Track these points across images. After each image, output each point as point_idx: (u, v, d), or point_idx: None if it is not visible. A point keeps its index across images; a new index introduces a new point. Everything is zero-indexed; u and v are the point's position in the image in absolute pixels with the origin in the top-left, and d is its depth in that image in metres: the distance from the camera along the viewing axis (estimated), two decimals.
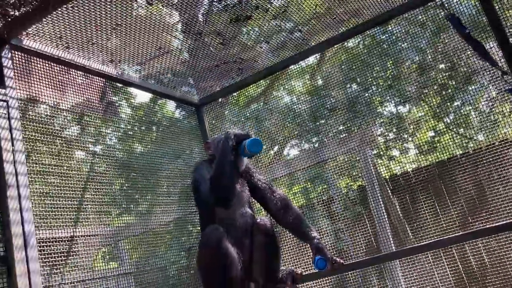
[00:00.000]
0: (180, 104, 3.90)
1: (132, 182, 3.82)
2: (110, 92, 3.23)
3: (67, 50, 2.66)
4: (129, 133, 4.33)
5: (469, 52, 3.52)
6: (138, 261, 3.94)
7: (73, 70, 2.81)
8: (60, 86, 2.70)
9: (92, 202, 3.23)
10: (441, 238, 2.56)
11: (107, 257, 4.84)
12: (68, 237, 2.98)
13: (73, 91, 2.81)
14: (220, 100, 5.71)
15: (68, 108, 2.82)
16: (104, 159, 3.89)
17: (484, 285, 3.12)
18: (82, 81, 2.87)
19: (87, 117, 3.02)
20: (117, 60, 2.92)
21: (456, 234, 2.50)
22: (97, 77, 2.98)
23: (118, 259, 4.38)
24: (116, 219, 3.77)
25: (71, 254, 2.96)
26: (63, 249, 2.88)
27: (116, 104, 3.40)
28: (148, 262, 3.88)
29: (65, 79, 2.73)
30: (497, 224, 2.35)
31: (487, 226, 2.64)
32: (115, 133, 4.43)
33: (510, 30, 2.80)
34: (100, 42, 2.70)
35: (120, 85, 3.32)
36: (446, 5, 3.08)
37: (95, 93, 2.97)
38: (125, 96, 4.19)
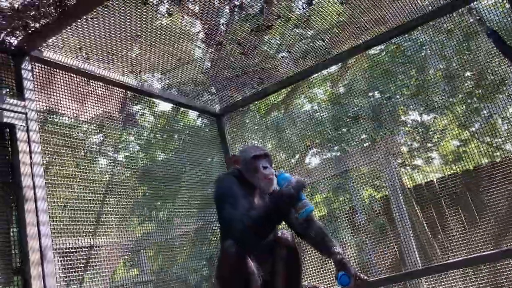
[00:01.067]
0: (201, 113, 3.89)
1: (154, 190, 3.82)
2: (130, 103, 3.23)
3: (87, 61, 2.66)
4: (151, 141, 4.35)
5: (497, 60, 3.42)
6: (159, 270, 3.94)
7: (93, 81, 2.80)
8: (80, 98, 2.70)
9: (114, 210, 3.23)
10: (471, 256, 2.46)
11: (128, 264, 4.87)
12: (88, 247, 2.99)
13: (93, 102, 2.80)
14: (240, 108, 5.70)
15: (87, 119, 2.81)
16: (126, 167, 3.91)
17: None
18: (102, 92, 2.87)
19: (106, 128, 3.01)
20: (138, 71, 2.92)
21: (487, 252, 2.40)
22: (117, 88, 2.96)
23: (139, 268, 4.40)
24: (138, 227, 3.78)
25: (92, 264, 2.97)
26: (83, 259, 2.88)
27: (136, 115, 3.40)
28: (169, 271, 3.88)
29: (85, 90, 2.73)
30: None
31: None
32: (137, 141, 4.46)
33: None
34: (120, 52, 2.70)
35: (141, 95, 3.31)
36: (475, 11, 3.00)
37: (115, 104, 2.96)
38: (147, 105, 4.21)
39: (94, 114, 2.84)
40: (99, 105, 2.84)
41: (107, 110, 2.90)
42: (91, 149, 3.22)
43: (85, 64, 2.68)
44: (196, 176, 3.90)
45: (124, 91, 3.03)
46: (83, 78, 2.72)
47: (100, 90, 2.82)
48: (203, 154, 3.91)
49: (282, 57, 2.97)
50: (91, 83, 2.77)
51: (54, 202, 2.62)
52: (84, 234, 2.97)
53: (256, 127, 4.37)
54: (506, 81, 3.42)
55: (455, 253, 3.12)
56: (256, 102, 5.27)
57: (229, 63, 3.00)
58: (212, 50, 2.90)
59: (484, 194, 3.26)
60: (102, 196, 3.13)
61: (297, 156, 5.01)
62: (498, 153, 4.04)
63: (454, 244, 3.20)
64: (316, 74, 3.87)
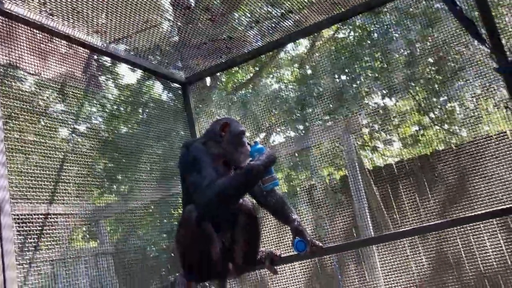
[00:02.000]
0: (166, 81, 3.83)
1: (116, 162, 3.78)
2: (94, 64, 3.16)
3: (50, 17, 2.56)
4: (115, 113, 4.29)
5: (457, 48, 3.55)
6: (118, 241, 3.93)
7: (57, 39, 2.69)
8: (42, 54, 2.61)
9: (74, 180, 3.19)
10: (418, 226, 2.59)
11: (87, 236, 4.82)
12: (46, 214, 2.94)
13: (55, 60, 2.70)
14: (208, 84, 5.69)
15: (49, 77, 2.73)
16: (88, 138, 3.85)
17: (458, 273, 3.19)
18: (65, 51, 2.77)
19: (68, 88, 2.92)
20: (103, 31, 2.82)
21: (433, 222, 2.54)
22: (81, 48, 2.86)
23: (98, 239, 4.36)
24: (98, 198, 3.74)
25: (48, 231, 2.93)
26: (40, 226, 2.84)
27: (100, 78, 3.34)
28: (128, 243, 3.87)
29: (47, 47, 2.63)
30: (474, 213, 2.39)
31: (464, 216, 2.68)
32: (100, 112, 4.39)
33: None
34: (86, 11, 2.60)
35: (105, 57, 3.21)
36: None
37: (78, 64, 2.87)
38: (112, 76, 4.15)
39: (56, 73, 2.75)
40: (61, 63, 2.74)
41: (70, 69, 2.82)
42: (53, 115, 3.16)
43: (48, 20, 2.58)
44: (159, 149, 3.88)
45: (88, 51, 2.93)
46: (46, 35, 2.62)
47: (64, 49, 2.74)
48: (168, 127, 3.87)
49: (251, 27, 2.97)
50: (54, 41, 2.67)
51: (12, 168, 2.56)
52: (42, 201, 2.92)
53: (222, 103, 4.39)
54: (465, 68, 3.55)
55: (405, 225, 3.28)
56: (223, 80, 5.26)
57: (196, 29, 2.96)
58: (180, 14, 2.86)
59: (438, 175, 3.42)
60: (62, 164, 3.08)
61: (262, 135, 5.07)
62: (454, 140, 4.21)
63: (405, 217, 3.36)
64: (284, 54, 3.93)
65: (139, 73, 4.70)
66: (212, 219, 2.45)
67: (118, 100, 4.44)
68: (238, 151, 2.60)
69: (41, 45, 2.59)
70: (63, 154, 3.15)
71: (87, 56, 2.92)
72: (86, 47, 2.88)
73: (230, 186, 2.34)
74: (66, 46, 2.74)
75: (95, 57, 3.12)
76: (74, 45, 2.76)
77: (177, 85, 3.81)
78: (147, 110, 4.26)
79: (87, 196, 3.50)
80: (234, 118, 2.81)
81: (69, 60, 2.76)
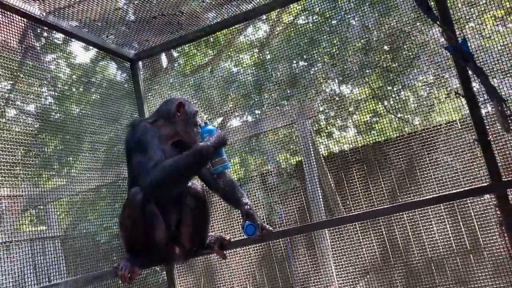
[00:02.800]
0: (117, 59, 3.68)
1: (67, 144, 3.64)
2: (32, 35, 2.97)
3: None
4: (67, 93, 4.12)
5: (413, 37, 3.59)
6: (67, 226, 3.80)
7: None
8: None
9: (21, 162, 3.04)
10: (368, 210, 2.61)
11: (35, 220, 4.65)
12: None
13: None
14: (164, 66, 5.56)
15: None
16: (37, 119, 3.69)
17: (407, 256, 3.27)
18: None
19: (1, 58, 2.73)
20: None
21: (383, 207, 2.56)
22: (16, 16, 2.64)
23: (46, 222, 4.21)
24: (47, 181, 3.60)
25: None
26: None
27: (38, 49, 3.15)
28: (77, 227, 3.75)
29: None
30: (422, 198, 2.43)
31: (413, 200, 2.72)
32: (51, 92, 4.21)
33: None
34: None
35: (46, 29, 3.01)
36: None
37: (14, 34, 2.67)
38: (64, 55, 3.97)
39: None
40: None
41: (4, 39, 2.62)
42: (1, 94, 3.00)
43: None
44: (111, 131, 3.76)
45: (25, 21, 2.72)
46: None
47: None
48: (119, 109, 3.75)
49: (202, 1, 2.87)
50: None
51: None
52: None
53: (178, 86, 4.28)
54: (420, 57, 3.60)
55: (357, 210, 3.31)
56: (180, 62, 5.14)
57: (147, 2, 2.82)
58: None
59: (390, 162, 3.47)
60: (9, 145, 2.93)
61: (220, 119, 5.00)
62: (407, 129, 4.28)
63: (357, 202, 3.40)
64: (243, 38, 3.86)
65: (92, 53, 4.52)
66: (158, 201, 2.38)
67: (70, 79, 4.28)
68: (192, 131, 2.54)
69: None
70: (10, 134, 3.00)
71: (24, 25, 2.73)
72: (23, 16, 2.67)
73: (177, 167, 2.27)
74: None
75: (36, 29, 2.93)
76: (8, 12, 2.56)
77: (128, 64, 3.66)
78: (99, 91, 4.12)
79: (35, 179, 3.36)
80: (185, 98, 2.73)
81: (3, 29, 2.57)
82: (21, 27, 2.69)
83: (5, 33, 2.58)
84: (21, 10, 2.60)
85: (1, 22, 2.53)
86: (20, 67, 2.99)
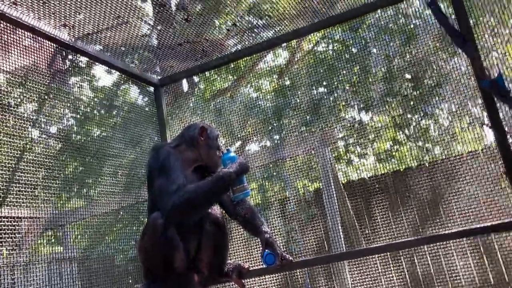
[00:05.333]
0: (139, 83, 3.73)
1: (86, 166, 3.68)
2: (60, 59, 3.04)
3: (14, 6, 2.42)
4: (88, 115, 4.19)
5: (434, 66, 3.58)
6: (85, 248, 3.81)
7: (20, 30, 2.55)
8: (4, 46, 2.48)
9: (41, 183, 3.08)
10: (390, 242, 2.56)
11: (52, 241, 4.67)
12: (10, 217, 2.83)
13: (18, 52, 2.57)
14: (185, 90, 5.62)
15: (10, 70, 2.59)
16: (59, 140, 3.74)
17: None
18: (29, 44, 2.64)
19: (30, 82, 2.79)
20: (71, 25, 2.69)
21: (405, 239, 2.51)
22: (47, 41, 2.72)
23: (64, 244, 4.22)
24: (66, 202, 3.63)
25: (11, 236, 2.81)
26: (1, 230, 2.72)
27: (65, 73, 3.22)
28: (95, 249, 3.76)
29: (10, 38, 2.49)
30: (445, 232, 2.37)
31: (435, 234, 2.67)
32: (73, 114, 4.28)
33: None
34: (52, 2, 2.47)
35: (79, 57, 3.09)
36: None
37: (43, 58, 2.74)
38: (87, 78, 4.05)
39: (19, 65, 2.61)
40: (25, 56, 2.61)
41: (34, 63, 2.69)
42: (23, 114, 3.05)
43: (12, 9, 2.43)
44: (131, 154, 3.80)
45: (54, 45, 2.80)
46: (8, 25, 2.47)
47: (28, 41, 2.61)
48: (141, 132, 3.79)
49: (228, 29, 2.91)
50: (18, 32, 2.54)
51: None
52: (6, 204, 2.80)
53: (199, 111, 4.32)
54: (442, 86, 3.58)
55: (377, 242, 3.25)
56: (201, 87, 5.19)
57: (171, 28, 2.88)
58: (154, 12, 2.78)
59: (411, 191, 3.42)
60: (30, 167, 2.97)
61: (238, 143, 5.01)
62: (427, 158, 4.24)
63: (377, 234, 3.34)
64: (263, 64, 3.88)
65: (114, 76, 4.60)
66: (179, 227, 2.37)
67: (92, 102, 4.35)
68: (215, 155, 2.58)
69: (3, 35, 2.47)
70: (32, 155, 3.05)
71: (53, 50, 2.80)
72: (52, 41, 2.75)
73: (199, 192, 2.27)
74: (30, 39, 2.61)
75: (64, 53, 3.01)
76: (40, 38, 2.63)
77: (151, 88, 3.72)
78: (121, 114, 4.18)
79: (54, 200, 3.39)
80: (208, 123, 2.76)
81: (34, 54, 2.64)
82: (50, 52, 2.76)
83: (36, 57, 2.65)
84: (52, 36, 2.67)
85: (33, 47, 2.61)
86: (48, 90, 3.06)
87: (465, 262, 3.07)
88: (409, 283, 3.28)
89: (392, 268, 3.30)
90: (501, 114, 2.43)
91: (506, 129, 2.45)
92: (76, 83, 4.43)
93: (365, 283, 3.26)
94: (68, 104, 3.72)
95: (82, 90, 3.80)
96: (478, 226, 2.32)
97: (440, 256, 3.12)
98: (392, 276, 3.28)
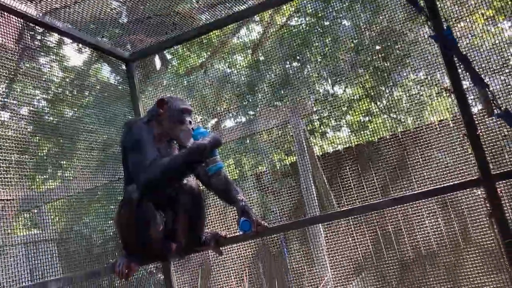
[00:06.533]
0: (111, 61, 3.69)
1: (61, 147, 3.65)
2: (28, 36, 2.97)
3: None
4: (61, 96, 4.13)
5: (404, 36, 3.64)
6: (62, 229, 3.80)
7: None
8: None
9: (14, 166, 3.04)
10: (361, 205, 2.64)
11: (29, 223, 4.64)
12: None
13: None
14: (158, 67, 5.58)
15: None
16: (29, 122, 3.69)
17: (400, 250, 3.30)
18: None
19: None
20: (38, 0, 2.62)
21: (375, 201, 2.60)
22: (13, 16, 2.63)
23: (40, 225, 4.20)
24: (42, 184, 3.60)
25: None
26: None
27: (34, 50, 3.16)
28: (72, 230, 3.75)
29: None
30: (414, 192, 2.46)
31: (405, 194, 2.76)
32: (44, 95, 4.21)
33: None
34: None
35: (42, 29, 3.01)
36: None
37: (10, 34, 2.67)
38: (57, 58, 3.98)
39: None
40: None
41: (1, 40, 2.62)
42: None
43: None
44: (105, 133, 3.77)
45: (22, 21, 2.72)
46: None
47: None
48: (115, 111, 3.76)
49: (197, 1, 2.89)
50: None
51: None
52: None
53: (172, 88, 4.30)
54: (411, 56, 3.64)
55: (350, 205, 3.36)
56: (174, 64, 5.16)
57: (140, 1, 2.83)
58: None
59: (383, 159, 3.51)
60: (2, 149, 2.93)
61: (214, 120, 5.03)
62: (400, 129, 4.33)
63: (350, 198, 3.44)
64: (237, 40, 3.88)
65: (85, 55, 4.54)
66: (154, 199, 2.40)
67: (63, 82, 4.28)
68: (178, 129, 2.52)
69: None
70: (3, 138, 3.01)
71: (21, 26, 2.74)
72: (19, 16, 2.67)
73: (172, 165, 2.29)
74: None
75: (32, 30, 2.94)
76: (5, 13, 2.56)
77: (123, 66, 3.67)
78: (94, 93, 4.13)
79: (29, 182, 3.36)
80: (178, 97, 2.73)
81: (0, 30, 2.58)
82: (18, 28, 2.70)
83: (1, 33, 2.59)
84: (18, 10, 2.61)
85: None
86: (17, 69, 3.00)
87: (435, 221, 3.19)
88: (382, 242, 3.40)
89: (365, 230, 3.41)
90: (464, 82, 2.50)
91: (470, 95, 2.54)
92: (47, 64, 4.35)
93: (338, 245, 3.37)
94: (39, 85, 3.66)
95: (52, 70, 3.73)
96: (444, 185, 2.41)
97: (411, 216, 3.23)
98: (365, 237, 3.40)
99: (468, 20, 3.12)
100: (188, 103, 2.67)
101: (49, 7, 2.73)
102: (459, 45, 2.36)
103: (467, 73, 2.24)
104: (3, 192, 2.97)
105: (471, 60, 2.26)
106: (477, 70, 2.22)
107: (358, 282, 3.42)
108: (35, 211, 4.17)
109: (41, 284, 2.15)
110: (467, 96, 2.45)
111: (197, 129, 2.48)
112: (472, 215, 3.03)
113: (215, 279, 3.51)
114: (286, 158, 4.27)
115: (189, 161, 2.33)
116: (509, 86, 2.77)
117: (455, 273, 3.13)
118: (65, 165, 3.69)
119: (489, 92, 2.12)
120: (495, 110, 2.09)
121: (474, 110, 2.75)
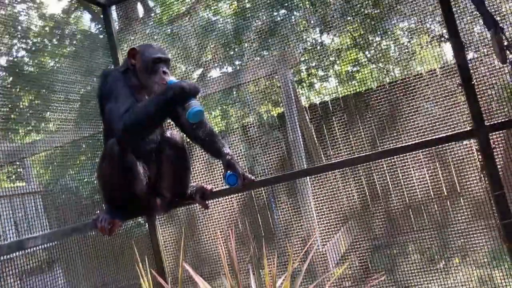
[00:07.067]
0: (86, 3, 3.50)
1: (42, 98, 3.55)
2: None
3: None
4: (40, 46, 3.98)
5: None
6: (48, 181, 3.77)
7: None
8: None
9: None
10: (349, 157, 2.62)
11: (13, 176, 4.60)
12: None
13: None
14: (141, 16, 5.37)
15: None
16: (11, 73, 3.59)
17: (386, 202, 3.34)
18: None
19: None
20: None
21: (362, 154, 2.57)
22: None
23: (25, 178, 4.17)
24: (25, 136, 3.54)
25: None
26: None
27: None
28: (58, 182, 3.72)
29: None
30: (402, 145, 2.44)
31: (392, 147, 2.74)
32: (23, 45, 4.06)
33: None
34: None
35: None
36: None
37: None
38: (34, 6, 3.80)
39: None
40: None
41: None
42: None
43: None
44: (87, 84, 3.66)
45: None
46: None
47: None
48: (96, 60, 3.63)
49: None
50: None
51: None
52: None
53: (156, 37, 4.15)
54: (402, 2, 3.51)
55: (337, 157, 3.36)
56: (158, 12, 4.95)
57: None
58: None
59: (370, 110, 3.47)
60: None
61: (200, 71, 4.91)
62: (387, 80, 4.28)
63: (337, 150, 3.43)
64: None
65: (64, 1, 4.32)
66: (137, 152, 2.34)
67: (43, 31, 4.13)
68: (151, 80, 2.39)
69: None
70: None
71: None
72: None
73: (148, 109, 2.15)
74: None
75: None
76: None
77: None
78: (74, 42, 3.98)
79: (11, 134, 3.31)
80: (152, 44, 2.58)
81: None
82: None
83: None
84: None
85: None
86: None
87: (421, 174, 3.20)
88: (368, 195, 3.43)
89: (351, 182, 3.43)
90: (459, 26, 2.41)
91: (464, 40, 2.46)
92: (23, 11, 4.16)
93: (325, 197, 3.38)
94: (17, 34, 3.51)
95: (30, 19, 3.57)
96: (435, 137, 2.39)
97: (397, 169, 3.24)
98: (352, 190, 3.42)
99: None
100: (165, 51, 2.52)
101: None
102: None
103: (480, 15, 2.11)
104: None
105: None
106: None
107: (343, 232, 3.47)
108: (20, 164, 4.13)
109: (18, 242, 2.11)
110: (464, 43, 2.38)
111: (171, 81, 2.33)
112: (459, 167, 3.04)
113: (202, 233, 3.53)
114: (273, 109, 4.21)
115: (166, 102, 2.17)
116: None
117: (439, 223, 3.19)
118: (48, 117, 3.61)
119: (504, 38, 2.00)
120: (509, 57, 2.00)
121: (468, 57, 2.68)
